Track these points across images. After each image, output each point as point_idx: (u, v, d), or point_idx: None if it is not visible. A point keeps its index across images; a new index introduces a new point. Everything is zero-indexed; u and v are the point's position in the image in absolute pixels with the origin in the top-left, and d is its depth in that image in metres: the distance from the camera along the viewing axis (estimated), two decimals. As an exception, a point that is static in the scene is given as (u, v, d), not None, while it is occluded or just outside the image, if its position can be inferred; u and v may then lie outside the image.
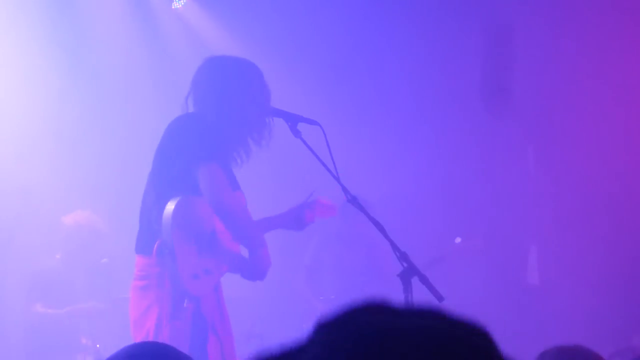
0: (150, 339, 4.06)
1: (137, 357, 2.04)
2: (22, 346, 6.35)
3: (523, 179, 7.48)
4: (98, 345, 5.83)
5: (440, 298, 3.70)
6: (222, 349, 4.13)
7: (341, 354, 0.89)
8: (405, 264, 3.74)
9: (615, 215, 7.00)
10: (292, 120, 4.17)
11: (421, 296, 3.76)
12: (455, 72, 7.39)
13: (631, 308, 6.69)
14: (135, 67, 7.40)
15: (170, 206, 4.08)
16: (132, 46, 7.47)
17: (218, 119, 4.24)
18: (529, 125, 7.45)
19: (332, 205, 4.68)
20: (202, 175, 4.09)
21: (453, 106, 7.46)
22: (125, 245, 4.40)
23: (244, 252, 4.38)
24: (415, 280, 3.74)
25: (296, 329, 6.72)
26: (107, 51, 7.35)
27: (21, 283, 6.49)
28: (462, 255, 6.62)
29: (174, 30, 7.71)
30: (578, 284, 6.95)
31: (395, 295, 6.48)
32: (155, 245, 4.12)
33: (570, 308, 6.82)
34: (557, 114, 7.33)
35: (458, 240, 6.71)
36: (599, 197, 7.05)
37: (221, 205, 4.11)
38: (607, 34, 6.98)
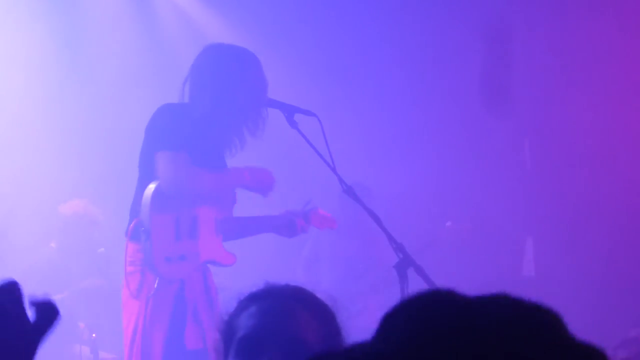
0: (132, 323, 4.09)
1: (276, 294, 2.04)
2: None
3: (519, 171, 7.49)
4: (94, 335, 5.82)
5: (436, 290, 3.70)
6: (204, 337, 4.11)
7: (407, 348, 0.88)
8: (401, 255, 3.75)
9: (612, 208, 7.01)
10: (289, 111, 4.17)
11: (417, 288, 3.76)
12: (452, 66, 7.38)
13: (628, 301, 6.70)
14: (132, 57, 7.39)
15: (151, 186, 4.10)
16: (129, 36, 7.46)
17: (213, 106, 4.24)
18: (525, 119, 7.45)
19: (332, 218, 4.62)
20: (158, 162, 4.12)
21: (450, 99, 7.45)
22: (121, 234, 4.40)
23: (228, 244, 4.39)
24: (411, 272, 3.75)
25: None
26: (103, 41, 7.34)
27: (17, 272, 6.48)
28: (453, 239, 6.62)
29: (172, 20, 7.69)
30: (574, 276, 6.96)
31: (392, 284, 6.52)
32: (131, 226, 4.14)
33: (566, 300, 6.81)
34: (553, 108, 7.33)
35: (449, 224, 6.72)
36: (596, 189, 7.05)
37: (178, 192, 4.11)
38: (606, 31, 6.98)
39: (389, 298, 6.60)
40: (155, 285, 4.07)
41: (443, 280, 3.94)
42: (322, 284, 6.79)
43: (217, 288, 4.33)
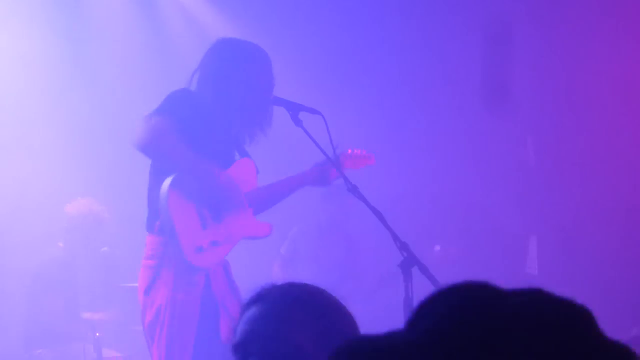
0: (161, 317, 4.06)
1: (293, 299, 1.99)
2: (22, 334, 6.36)
3: (523, 169, 7.48)
4: (97, 333, 5.82)
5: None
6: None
7: (444, 336, 0.90)
8: (405, 254, 3.75)
9: (615, 206, 7.01)
10: (294, 109, 4.17)
11: (421, 287, 3.76)
12: (455, 66, 7.38)
13: (631, 299, 6.70)
14: (136, 55, 7.39)
15: (165, 184, 4.09)
16: (133, 35, 7.46)
17: (215, 99, 4.24)
18: (528, 117, 7.44)
19: (366, 154, 4.45)
20: (143, 123, 4.11)
21: (453, 99, 7.45)
22: (126, 232, 4.39)
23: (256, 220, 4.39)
24: (413, 270, 3.75)
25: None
26: (107, 39, 7.34)
27: (22, 272, 6.49)
28: (441, 263, 6.53)
29: (176, 19, 7.69)
30: (577, 275, 6.95)
31: (371, 295, 6.49)
32: (157, 224, 4.12)
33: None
34: (556, 106, 7.33)
35: (437, 248, 6.65)
36: (599, 188, 7.05)
37: (151, 151, 4.11)
38: (606, 29, 6.98)
39: (368, 307, 6.60)
40: (195, 278, 4.06)
41: (446, 278, 3.94)
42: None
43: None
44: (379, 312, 6.63)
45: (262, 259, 6.77)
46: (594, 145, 7.11)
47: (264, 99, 4.28)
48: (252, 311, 1.97)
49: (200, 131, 4.17)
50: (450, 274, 4.56)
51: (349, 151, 4.44)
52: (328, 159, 4.03)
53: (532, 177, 7.45)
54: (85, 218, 6.43)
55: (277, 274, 6.73)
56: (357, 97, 7.53)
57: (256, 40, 4.59)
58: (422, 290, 3.76)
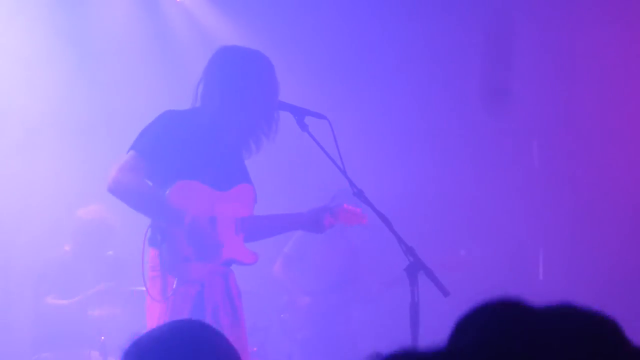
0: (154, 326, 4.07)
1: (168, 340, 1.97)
2: (28, 337, 6.37)
3: (527, 173, 7.48)
4: (102, 338, 5.83)
5: (445, 293, 3.71)
6: None
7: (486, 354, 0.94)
8: (411, 258, 3.74)
9: (622, 209, 7.00)
10: (299, 113, 4.17)
11: (427, 291, 3.76)
12: (458, 70, 7.39)
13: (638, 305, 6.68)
14: (140, 57, 7.40)
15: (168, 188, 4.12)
16: (137, 40, 7.48)
17: (224, 107, 4.24)
18: (531, 120, 7.44)
19: (360, 214, 4.45)
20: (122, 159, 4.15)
21: (458, 105, 7.46)
22: (132, 238, 4.39)
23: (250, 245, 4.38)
24: (418, 275, 3.75)
25: (298, 319, 6.66)
26: (111, 44, 7.35)
27: (28, 274, 6.50)
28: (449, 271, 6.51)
29: (181, 22, 7.71)
30: (583, 280, 6.94)
31: (376, 299, 6.47)
32: (148, 231, 4.13)
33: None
34: (560, 109, 7.33)
35: (462, 252, 6.66)
36: (604, 191, 7.04)
37: (114, 189, 4.13)
38: (607, 29, 6.98)
39: (373, 311, 6.59)
40: (174, 287, 4.06)
41: (452, 282, 3.94)
42: (300, 286, 6.70)
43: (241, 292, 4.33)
44: (381, 316, 6.64)
45: (263, 258, 6.76)
46: (597, 146, 7.11)
47: (271, 104, 4.28)
48: None
49: (192, 151, 4.17)
50: (455, 279, 4.54)
51: (345, 206, 4.43)
52: (334, 164, 4.03)
53: (536, 180, 7.45)
54: (97, 224, 6.49)
55: (278, 273, 6.73)
56: (363, 101, 7.53)
57: (260, 43, 4.59)
58: (426, 293, 3.76)
